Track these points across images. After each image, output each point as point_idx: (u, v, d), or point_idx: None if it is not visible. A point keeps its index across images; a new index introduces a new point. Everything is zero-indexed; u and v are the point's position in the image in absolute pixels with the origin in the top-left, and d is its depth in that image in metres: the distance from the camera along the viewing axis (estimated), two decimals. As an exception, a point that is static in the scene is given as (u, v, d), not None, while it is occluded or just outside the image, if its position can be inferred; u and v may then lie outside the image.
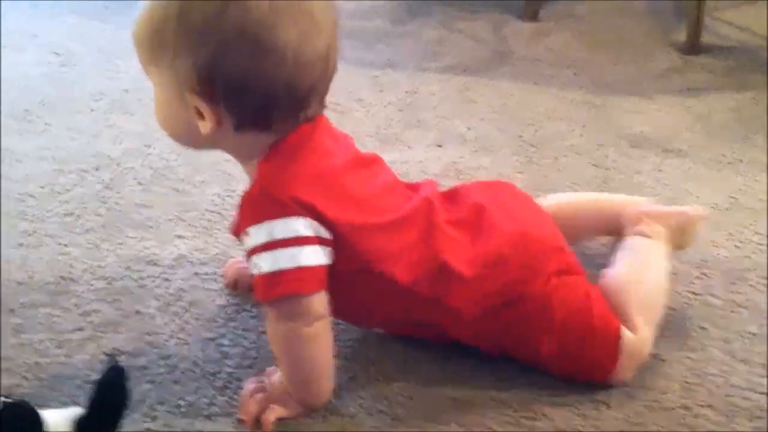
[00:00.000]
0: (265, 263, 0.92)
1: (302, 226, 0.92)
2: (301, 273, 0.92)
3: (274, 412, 0.96)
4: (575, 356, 1.01)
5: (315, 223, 0.93)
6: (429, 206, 1.02)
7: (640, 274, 1.10)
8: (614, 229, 1.18)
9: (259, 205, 0.93)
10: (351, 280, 0.97)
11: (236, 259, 1.18)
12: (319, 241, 0.93)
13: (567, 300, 1.02)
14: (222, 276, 1.17)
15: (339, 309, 0.98)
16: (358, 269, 0.97)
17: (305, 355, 0.96)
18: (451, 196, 1.09)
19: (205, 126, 0.92)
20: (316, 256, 0.93)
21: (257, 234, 0.92)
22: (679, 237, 1.16)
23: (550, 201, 1.20)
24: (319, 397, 0.98)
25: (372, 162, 1.05)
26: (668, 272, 1.11)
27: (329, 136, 0.99)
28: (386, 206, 1.00)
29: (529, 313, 1.01)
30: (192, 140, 0.97)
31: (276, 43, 0.87)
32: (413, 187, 1.08)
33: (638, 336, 1.03)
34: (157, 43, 0.90)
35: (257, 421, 0.95)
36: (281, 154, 0.94)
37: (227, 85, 0.89)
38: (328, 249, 0.94)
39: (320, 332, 0.96)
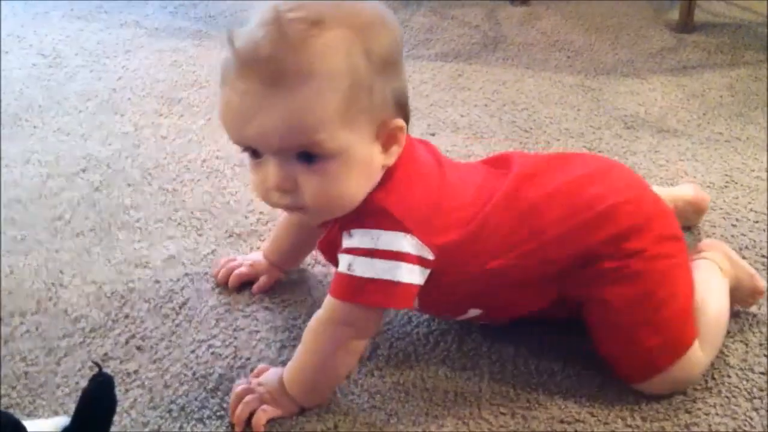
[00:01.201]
0: (360, 267, 0.91)
1: (408, 243, 0.92)
2: (393, 288, 0.92)
3: (266, 414, 0.94)
4: (638, 339, 0.97)
5: (420, 243, 0.92)
6: (519, 183, 1.00)
7: (706, 301, 1.02)
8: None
9: (371, 215, 0.92)
10: (459, 281, 0.98)
11: (226, 258, 1.17)
12: (419, 261, 0.93)
13: (662, 278, 0.98)
14: (213, 275, 1.16)
15: (431, 303, 1.00)
16: (467, 272, 0.97)
17: (339, 362, 0.96)
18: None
19: (398, 149, 0.92)
20: (412, 275, 0.93)
21: (362, 237, 0.92)
22: (737, 294, 1.09)
23: None
24: (320, 400, 0.97)
25: (441, 156, 1.03)
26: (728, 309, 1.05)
27: (417, 145, 1.00)
28: (483, 200, 0.99)
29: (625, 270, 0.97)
30: (370, 185, 0.93)
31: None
32: (500, 162, 1.06)
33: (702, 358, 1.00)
34: (354, 96, 0.86)
35: (248, 424, 0.94)
36: (396, 169, 0.94)
37: (406, 96, 0.93)
38: (427, 270, 0.94)
39: (362, 349, 0.98)
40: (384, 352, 1.05)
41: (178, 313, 1.10)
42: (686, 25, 2.00)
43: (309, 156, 0.87)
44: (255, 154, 0.90)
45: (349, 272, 0.92)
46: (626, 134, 1.56)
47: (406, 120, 0.93)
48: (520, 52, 1.91)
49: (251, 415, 0.94)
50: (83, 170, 1.41)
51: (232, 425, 0.94)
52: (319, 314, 0.96)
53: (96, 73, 1.75)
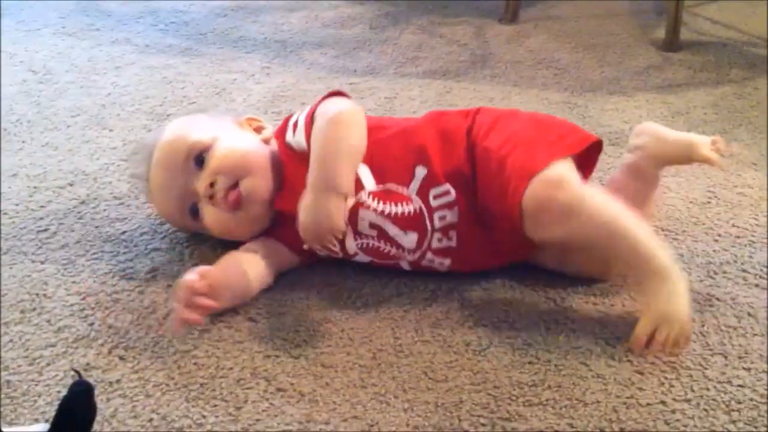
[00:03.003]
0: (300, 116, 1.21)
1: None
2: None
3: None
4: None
5: None
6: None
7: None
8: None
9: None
10: None
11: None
12: None
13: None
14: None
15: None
16: None
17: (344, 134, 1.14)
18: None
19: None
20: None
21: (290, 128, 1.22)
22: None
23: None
24: (341, 179, 1.10)
25: None
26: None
27: None
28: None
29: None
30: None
31: None
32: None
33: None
34: None
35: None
36: None
37: None
38: None
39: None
40: (366, 363, 1.05)
41: (161, 324, 1.11)
42: (672, 44, 2.02)
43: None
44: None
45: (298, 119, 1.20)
46: (611, 150, 1.57)
47: None
48: (508, 69, 1.93)
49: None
50: (70, 184, 1.42)
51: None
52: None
53: (85, 89, 1.76)
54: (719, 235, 1.31)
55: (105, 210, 1.35)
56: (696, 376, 1.04)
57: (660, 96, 1.80)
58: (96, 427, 0.91)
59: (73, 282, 1.18)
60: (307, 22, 2.18)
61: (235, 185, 1.16)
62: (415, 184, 1.16)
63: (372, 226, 1.15)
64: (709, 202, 1.40)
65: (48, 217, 1.33)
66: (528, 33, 2.12)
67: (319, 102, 1.19)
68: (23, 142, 1.55)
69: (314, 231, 1.08)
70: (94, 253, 1.25)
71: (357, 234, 1.15)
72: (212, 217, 1.18)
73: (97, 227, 1.31)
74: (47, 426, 0.81)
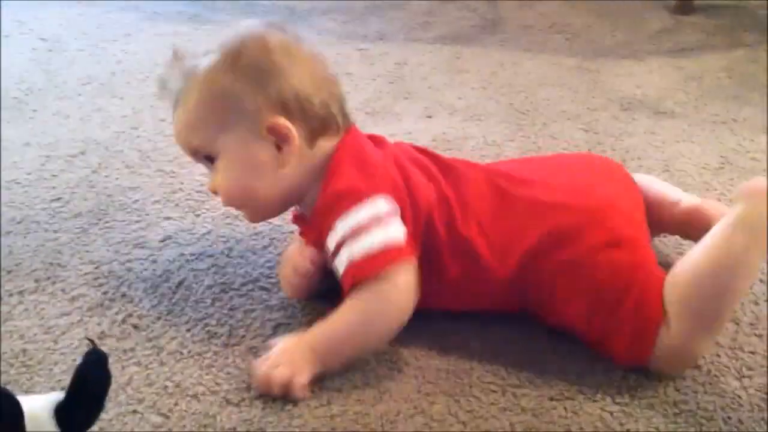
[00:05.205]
0: (359, 249, 0.96)
1: (381, 203, 0.98)
2: (394, 245, 0.97)
3: (304, 380, 0.95)
4: (604, 330, 0.98)
5: (389, 198, 0.99)
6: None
7: (716, 277, 0.94)
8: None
9: (337, 202, 0.98)
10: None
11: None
12: (395, 213, 0.99)
13: (609, 272, 0.98)
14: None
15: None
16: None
17: (379, 327, 0.99)
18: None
19: (291, 148, 1.01)
20: (400, 227, 0.98)
21: (344, 224, 0.97)
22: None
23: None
24: (344, 365, 0.99)
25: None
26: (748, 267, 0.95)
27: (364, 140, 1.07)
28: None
29: (566, 272, 0.99)
30: (278, 189, 1.04)
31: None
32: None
33: (675, 340, 0.96)
34: (219, 106, 1.01)
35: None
36: (342, 162, 1.01)
37: (296, 98, 1.00)
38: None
39: (404, 311, 0.99)
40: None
41: (174, 293, 1.12)
42: (685, 7, 2.00)
43: (210, 158, 1.04)
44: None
45: (351, 260, 0.96)
46: (623, 116, 1.57)
47: (316, 120, 1.02)
48: (519, 34, 1.91)
49: None
50: (82, 153, 1.42)
51: (225, 400, 0.95)
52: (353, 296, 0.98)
53: (95, 57, 1.76)
54: (731, 201, 1.30)
55: (117, 179, 1.36)
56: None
57: (673, 60, 1.79)
58: (111, 394, 0.92)
59: (87, 251, 1.19)
60: (317, -12, 2.17)
61: None
62: None
63: None
64: (721, 168, 1.39)
65: (60, 186, 1.33)
66: (539, -3, 2.11)
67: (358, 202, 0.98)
68: (34, 111, 1.56)
69: (269, 379, 0.96)
70: (106, 222, 1.25)
71: None
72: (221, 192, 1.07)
73: (109, 196, 1.31)
74: (62, 394, 0.81)
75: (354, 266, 0.96)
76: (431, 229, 1.02)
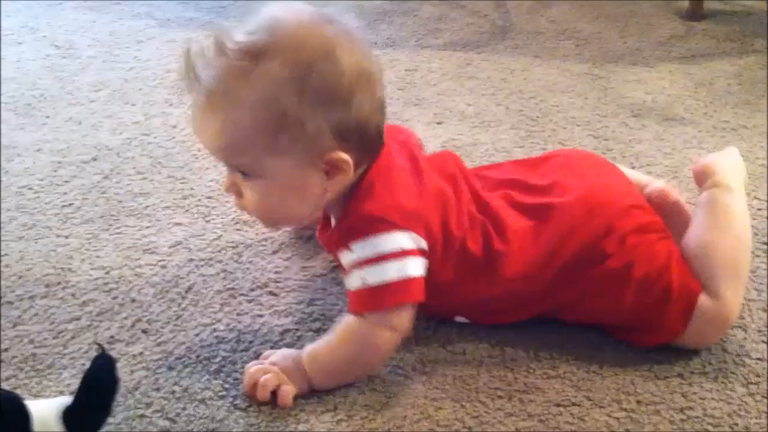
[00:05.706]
0: (372, 276, 0.95)
1: (405, 238, 0.96)
2: (408, 284, 0.96)
3: (291, 390, 0.96)
4: (647, 317, 1.02)
5: (415, 235, 0.96)
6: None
7: (720, 233, 1.07)
8: None
9: (362, 225, 0.96)
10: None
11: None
12: (420, 253, 0.97)
13: (646, 258, 1.02)
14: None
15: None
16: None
17: (372, 359, 0.99)
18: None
19: (345, 177, 0.95)
20: (418, 268, 0.97)
21: (363, 248, 0.95)
22: None
23: None
24: (337, 385, 0.99)
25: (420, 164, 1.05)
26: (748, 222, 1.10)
27: (396, 151, 1.02)
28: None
29: (607, 272, 1.02)
30: (314, 208, 1.01)
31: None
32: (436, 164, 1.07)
33: (720, 302, 1.02)
34: (279, 128, 0.91)
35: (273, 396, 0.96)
36: (374, 181, 0.98)
37: (356, 127, 0.94)
38: (426, 261, 0.98)
39: (394, 345, 0.99)
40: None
41: (183, 298, 1.12)
42: (695, 13, 2.00)
43: (244, 172, 0.96)
44: None
45: (364, 286, 0.96)
46: (633, 122, 1.57)
47: (367, 146, 0.97)
48: (529, 40, 1.92)
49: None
50: (94, 159, 1.44)
51: (233, 405, 0.96)
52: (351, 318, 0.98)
53: (108, 63, 1.77)
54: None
55: (128, 185, 1.37)
56: (714, 349, 1.04)
57: (683, 66, 1.78)
58: (120, 398, 0.93)
59: (97, 256, 1.20)
60: (328, -6, 2.17)
61: None
62: None
63: None
64: (730, 174, 1.39)
65: (72, 192, 1.34)
66: (549, 3, 2.11)
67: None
68: (47, 117, 1.57)
69: (257, 383, 0.96)
70: (117, 228, 1.26)
71: None
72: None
73: (120, 202, 1.32)
74: (71, 399, 0.82)
75: (366, 292, 0.96)
76: (466, 253, 1.01)
